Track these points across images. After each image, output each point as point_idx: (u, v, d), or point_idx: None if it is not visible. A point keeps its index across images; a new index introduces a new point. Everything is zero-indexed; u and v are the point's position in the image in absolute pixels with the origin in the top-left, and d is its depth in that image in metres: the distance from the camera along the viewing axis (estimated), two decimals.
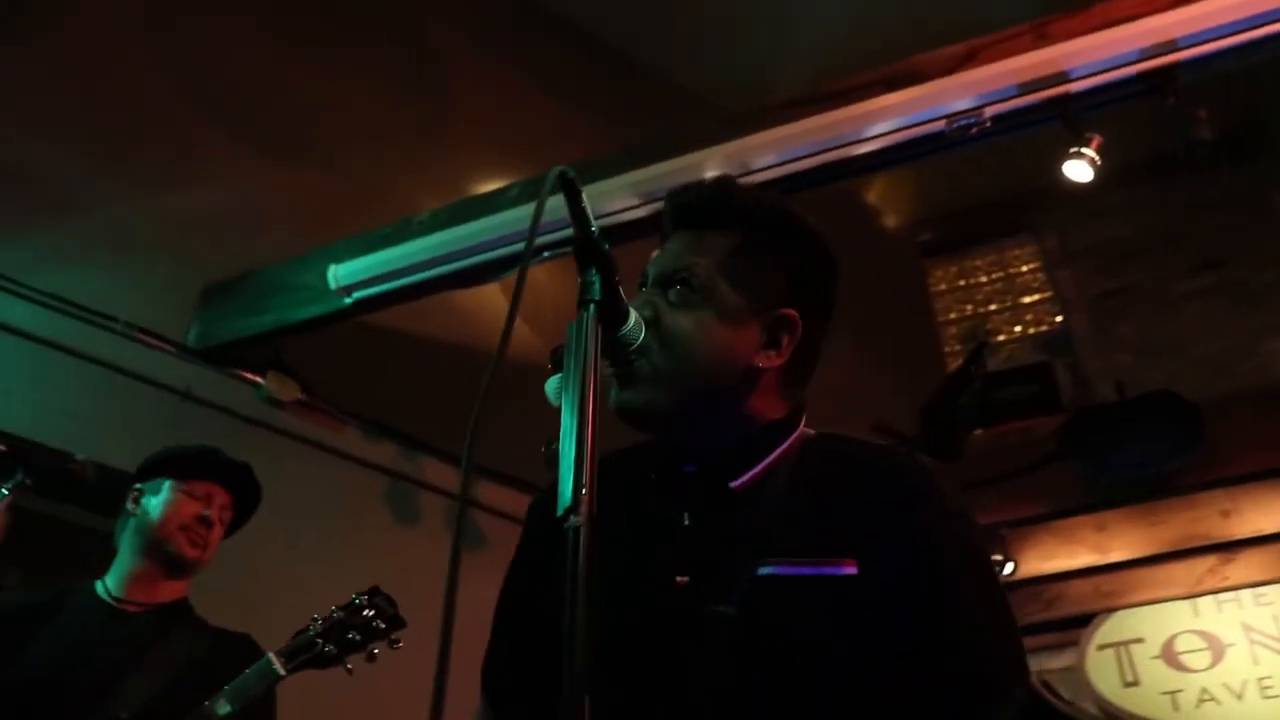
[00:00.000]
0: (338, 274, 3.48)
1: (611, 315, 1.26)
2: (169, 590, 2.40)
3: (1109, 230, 5.69)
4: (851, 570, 1.23)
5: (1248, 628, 4.66)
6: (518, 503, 4.14)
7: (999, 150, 3.27)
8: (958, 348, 5.94)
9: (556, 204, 1.21)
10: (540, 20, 4.94)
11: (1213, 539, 4.53)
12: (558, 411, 1.31)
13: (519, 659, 1.39)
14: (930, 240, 6.40)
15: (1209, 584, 4.67)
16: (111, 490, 2.56)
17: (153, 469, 2.44)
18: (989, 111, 2.95)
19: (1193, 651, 4.72)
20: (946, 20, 3.37)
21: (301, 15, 4.41)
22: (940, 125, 3.01)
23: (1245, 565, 4.59)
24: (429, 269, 3.46)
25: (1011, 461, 4.70)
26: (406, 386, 4.02)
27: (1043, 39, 3.00)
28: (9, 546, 2.34)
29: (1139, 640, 4.85)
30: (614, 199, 3.26)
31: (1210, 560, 4.63)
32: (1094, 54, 2.88)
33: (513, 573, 1.48)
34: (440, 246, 3.43)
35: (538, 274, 3.28)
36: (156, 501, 2.37)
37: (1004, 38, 3.07)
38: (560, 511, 1.07)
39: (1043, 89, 2.92)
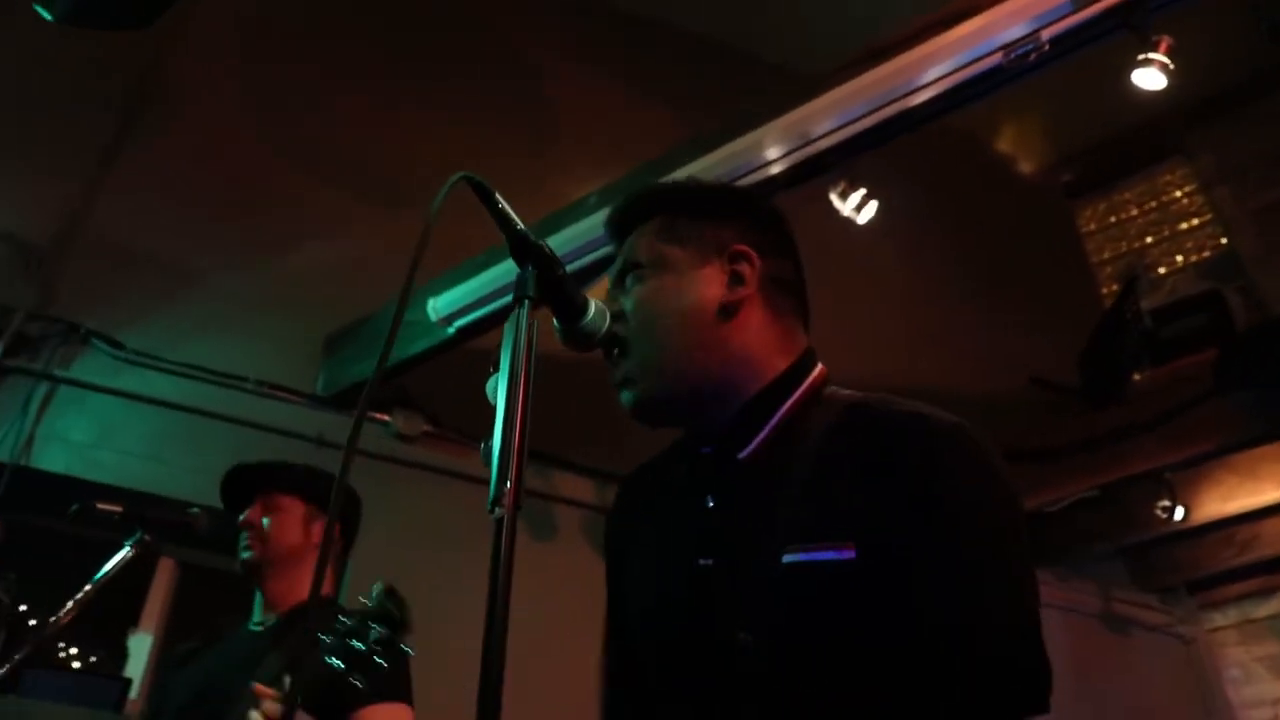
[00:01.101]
0: (436, 306, 3.61)
1: (566, 308, 1.29)
2: (285, 599, 2.50)
3: (1268, 137, 5.23)
4: (849, 555, 1.15)
5: None
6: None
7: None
8: (1115, 288, 5.58)
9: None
10: (624, 21, 4.98)
11: None
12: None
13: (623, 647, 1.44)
14: (1073, 180, 6.05)
15: None
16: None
17: None
18: (1045, 35, 2.78)
19: None
20: None
21: (397, 58, 4.60)
22: (998, 59, 2.85)
23: None
24: None
25: (1179, 399, 4.38)
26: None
27: None
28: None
29: None
30: None
31: None
32: None
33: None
34: None
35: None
36: None
37: None
38: (489, 506, 1.10)
39: None
